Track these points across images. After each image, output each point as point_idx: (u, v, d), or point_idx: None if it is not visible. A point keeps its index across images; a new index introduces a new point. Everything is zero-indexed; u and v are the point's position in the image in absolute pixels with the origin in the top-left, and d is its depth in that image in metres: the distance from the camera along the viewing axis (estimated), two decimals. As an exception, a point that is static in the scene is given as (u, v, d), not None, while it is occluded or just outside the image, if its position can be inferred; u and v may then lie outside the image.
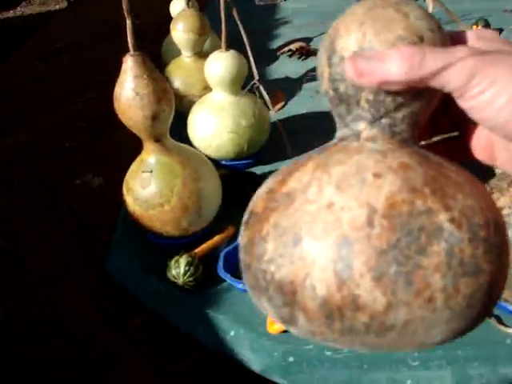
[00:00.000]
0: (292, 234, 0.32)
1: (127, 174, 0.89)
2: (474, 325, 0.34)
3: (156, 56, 1.44)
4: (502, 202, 0.69)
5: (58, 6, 5.03)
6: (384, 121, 0.36)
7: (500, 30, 1.47)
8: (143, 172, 0.85)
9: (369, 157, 0.34)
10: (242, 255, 0.36)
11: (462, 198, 0.32)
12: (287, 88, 1.39)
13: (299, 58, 1.55)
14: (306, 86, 1.39)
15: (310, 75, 1.41)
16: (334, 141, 0.38)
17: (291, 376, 0.77)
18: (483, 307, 0.33)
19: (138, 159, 0.88)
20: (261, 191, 0.37)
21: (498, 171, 0.77)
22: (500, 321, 0.77)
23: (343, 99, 0.37)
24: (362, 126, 0.36)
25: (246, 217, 0.37)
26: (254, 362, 0.79)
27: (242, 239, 0.37)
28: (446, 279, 0.31)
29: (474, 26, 1.45)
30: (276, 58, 1.57)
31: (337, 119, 0.38)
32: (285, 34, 1.72)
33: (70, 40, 4.21)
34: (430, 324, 0.32)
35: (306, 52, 1.56)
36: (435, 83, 0.33)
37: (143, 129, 0.80)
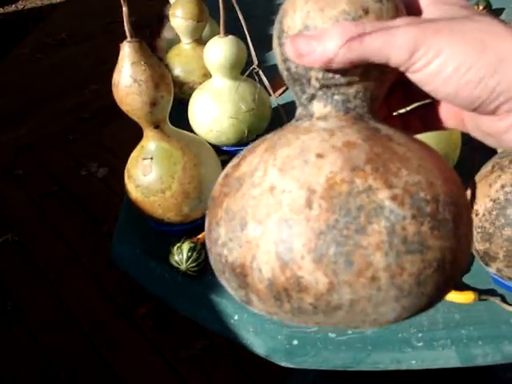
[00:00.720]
0: (239, 218, 0.33)
1: (128, 161, 0.89)
2: (433, 301, 0.34)
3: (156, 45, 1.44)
4: (503, 179, 0.69)
5: (59, -1, 5.02)
6: (336, 97, 0.36)
7: (501, 10, 1.46)
8: (144, 159, 0.85)
9: (315, 137, 0.34)
10: (205, 239, 0.37)
11: (407, 173, 0.32)
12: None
13: (300, 42, 1.54)
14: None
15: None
16: (292, 121, 0.38)
17: (296, 359, 0.77)
18: (437, 284, 0.32)
19: (139, 146, 0.88)
20: (220, 176, 0.38)
21: (499, 150, 0.77)
22: (504, 300, 0.77)
23: (295, 79, 0.37)
24: (315, 104, 0.37)
25: (208, 202, 0.38)
26: (259, 345, 0.79)
27: (205, 224, 0.38)
28: (388, 258, 0.31)
29: (475, 7, 1.44)
30: (276, 43, 1.56)
31: (295, 98, 0.39)
32: (285, 18, 1.71)
33: (73, 31, 4.21)
34: (377, 302, 0.32)
35: (307, 36, 1.55)
36: (378, 59, 0.33)
37: (142, 115, 0.80)
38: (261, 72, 0.93)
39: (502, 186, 0.69)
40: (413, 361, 0.74)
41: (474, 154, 0.81)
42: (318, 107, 0.36)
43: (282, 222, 0.32)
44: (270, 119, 1.11)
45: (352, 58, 0.33)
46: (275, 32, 0.37)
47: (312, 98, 0.37)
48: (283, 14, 0.36)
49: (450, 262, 0.32)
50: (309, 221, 0.31)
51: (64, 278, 2.07)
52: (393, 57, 0.32)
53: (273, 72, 1.37)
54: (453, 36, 0.31)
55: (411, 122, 0.42)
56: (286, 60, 0.37)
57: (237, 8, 0.88)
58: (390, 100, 0.41)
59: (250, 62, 0.99)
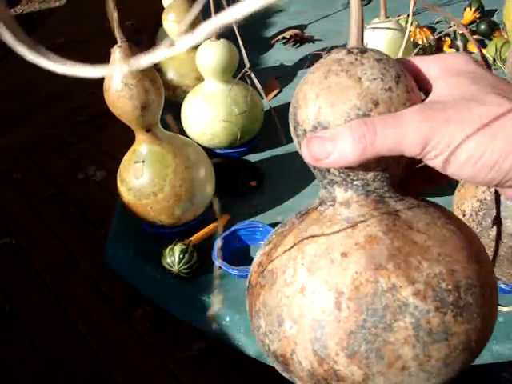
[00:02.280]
0: (276, 314, 0.36)
1: (120, 165, 0.89)
2: (462, 372, 0.35)
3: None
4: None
5: (58, 3, 5.03)
6: (356, 183, 0.37)
7: (494, 11, 1.46)
8: (135, 162, 0.86)
9: (339, 232, 0.36)
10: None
11: (428, 265, 0.34)
12: (282, 75, 1.39)
13: (294, 45, 1.55)
14: (300, 73, 1.39)
15: (305, 62, 1.41)
16: (316, 202, 0.40)
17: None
18: (465, 360, 0.34)
19: (131, 150, 0.88)
20: (255, 260, 0.41)
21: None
22: (493, 299, 0.77)
23: (314, 167, 0.38)
24: (336, 189, 0.38)
25: (248, 285, 0.41)
26: (250, 346, 0.80)
27: (247, 306, 0.41)
28: (415, 349, 0.33)
29: (468, 9, 1.45)
30: (271, 46, 1.57)
31: (318, 179, 0.40)
32: (279, 21, 1.72)
33: (71, 36, 4.21)
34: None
35: (301, 39, 1.56)
36: (392, 154, 0.34)
37: (133, 119, 0.81)
38: (253, 75, 0.93)
39: (488, 187, 0.70)
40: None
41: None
42: (340, 191, 0.38)
43: (315, 323, 0.34)
44: (262, 122, 1.11)
45: (368, 157, 0.34)
46: (291, 121, 0.38)
47: (333, 183, 0.38)
48: (296, 105, 0.37)
49: (476, 340, 0.34)
50: (339, 322, 0.33)
51: (62, 280, 2.08)
52: (406, 151, 0.33)
53: (266, 75, 1.38)
54: (462, 125, 0.32)
55: (430, 173, 0.41)
56: None
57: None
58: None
59: (242, 65, 1.00)
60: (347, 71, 0.35)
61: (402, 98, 0.35)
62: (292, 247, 0.37)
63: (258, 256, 0.41)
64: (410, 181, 0.42)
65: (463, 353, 0.34)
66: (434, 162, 0.33)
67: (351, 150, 0.33)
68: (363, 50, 0.36)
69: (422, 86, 0.37)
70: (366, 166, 0.36)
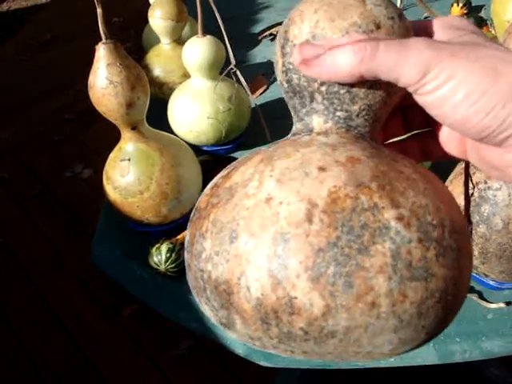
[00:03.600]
0: (229, 230, 0.31)
1: (106, 163, 0.88)
2: (430, 337, 0.32)
3: (141, 45, 1.44)
4: (477, 177, 0.69)
5: (44, 0, 5.00)
6: (339, 114, 0.34)
7: (481, 7, 1.46)
8: (121, 160, 0.85)
9: (316, 150, 0.32)
10: (185, 254, 0.35)
11: (414, 194, 0.30)
12: (269, 72, 1.38)
13: (281, 41, 1.54)
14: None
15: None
16: (288, 136, 0.36)
17: (274, 358, 0.77)
18: (438, 317, 0.31)
19: (116, 148, 0.87)
20: (207, 186, 0.36)
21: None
22: (481, 296, 0.77)
23: (296, 91, 0.35)
24: (315, 119, 0.35)
25: (191, 214, 0.35)
26: (238, 345, 0.79)
27: (186, 238, 0.35)
28: (391, 282, 0.29)
29: (455, 4, 1.45)
30: (258, 43, 1.56)
31: (292, 113, 0.37)
32: (267, 18, 1.71)
33: (57, 33, 4.19)
34: (374, 332, 0.30)
35: (288, 35, 1.55)
36: (388, 77, 0.31)
37: (119, 117, 0.80)
38: (238, 72, 0.92)
39: (477, 184, 0.70)
40: (391, 358, 0.75)
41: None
42: (319, 122, 0.35)
43: (278, 236, 0.29)
44: (249, 119, 1.10)
45: (362, 73, 0.31)
46: (278, 41, 0.36)
47: (313, 112, 0.35)
48: (289, 23, 0.35)
49: (452, 294, 0.31)
50: (308, 236, 0.29)
51: (49, 279, 2.07)
52: (404, 76, 0.31)
53: (253, 72, 1.38)
54: (467, 61, 0.30)
55: (409, 151, 0.40)
56: (287, 71, 0.35)
57: (214, 8, 0.88)
58: (387, 127, 0.40)
59: (229, 61, 0.99)
60: None
61: (404, 31, 0.33)
62: (259, 163, 0.33)
63: (210, 183, 0.36)
64: (406, 152, 0.40)
65: (438, 304, 0.30)
66: (428, 97, 0.31)
67: (348, 59, 0.31)
68: None
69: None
70: (354, 93, 0.33)
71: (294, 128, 0.37)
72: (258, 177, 0.32)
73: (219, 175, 0.36)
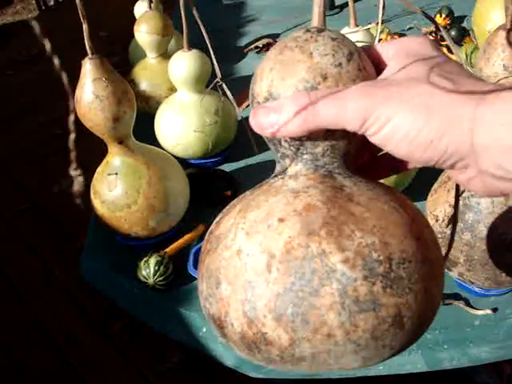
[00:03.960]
0: (215, 277, 0.37)
1: (94, 177, 0.89)
2: (396, 350, 0.36)
3: (128, 60, 1.44)
4: (461, 186, 0.70)
5: (30, 15, 4.99)
6: (306, 157, 0.38)
7: (463, 17, 1.48)
8: (108, 174, 0.85)
9: (281, 199, 0.37)
10: None
11: (361, 235, 0.35)
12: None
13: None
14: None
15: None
16: (271, 176, 0.41)
17: (263, 369, 0.77)
18: (397, 336, 0.35)
19: (104, 162, 0.88)
20: (209, 229, 0.41)
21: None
22: (468, 303, 0.78)
23: (269, 139, 0.40)
24: (287, 162, 0.39)
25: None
26: (227, 357, 0.80)
27: None
28: (341, 317, 0.33)
29: (438, 15, 1.47)
30: (244, 56, 1.57)
31: (273, 154, 0.41)
32: (253, 31, 1.72)
33: (44, 48, 4.19)
34: (336, 355, 0.35)
35: (274, 48, 1.56)
36: (334, 127, 0.34)
37: (105, 131, 0.80)
38: (224, 85, 0.93)
39: (461, 191, 0.70)
40: (380, 366, 0.75)
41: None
42: (291, 165, 0.39)
43: (247, 284, 0.35)
44: (236, 131, 1.11)
45: (309, 128, 0.35)
46: (250, 96, 0.40)
47: (284, 156, 0.39)
48: (254, 80, 0.39)
49: (410, 317, 0.35)
50: (268, 283, 0.34)
51: (38, 294, 2.05)
52: (347, 124, 0.34)
53: (239, 84, 1.38)
54: (401, 102, 0.32)
55: (379, 168, 0.44)
56: None
57: (199, 21, 0.89)
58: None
59: (215, 75, 1.00)
60: (301, 47, 0.37)
61: (353, 74, 0.36)
62: (237, 214, 0.38)
63: (212, 224, 0.42)
64: (372, 168, 0.43)
65: (394, 328, 0.34)
66: (375, 138, 0.34)
67: (293, 121, 0.34)
68: (321, 30, 0.37)
69: (382, 69, 0.38)
70: (313, 139, 0.37)
71: (276, 167, 0.41)
72: (234, 229, 0.37)
73: (215, 220, 0.41)
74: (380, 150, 0.42)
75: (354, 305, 0.33)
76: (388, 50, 0.38)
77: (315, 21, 0.38)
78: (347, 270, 0.33)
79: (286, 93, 0.36)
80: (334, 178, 0.38)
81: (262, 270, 0.34)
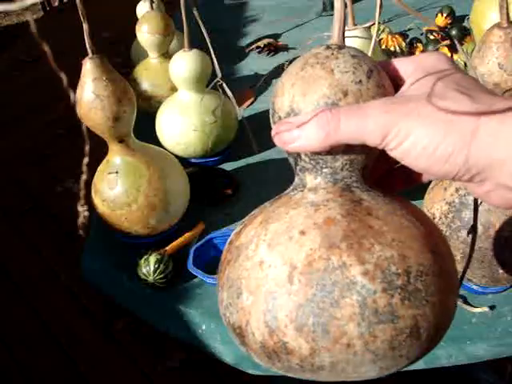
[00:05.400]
0: (236, 286, 0.38)
1: (94, 176, 0.89)
2: (413, 360, 0.37)
3: (130, 60, 1.45)
4: (458, 183, 0.70)
5: (35, 16, 5.00)
6: (325, 170, 0.39)
7: (465, 16, 1.48)
8: (109, 173, 0.86)
9: (301, 212, 0.38)
10: None
11: (380, 248, 0.35)
12: (256, 84, 1.40)
13: (268, 54, 1.56)
14: (274, 81, 1.40)
15: (279, 71, 1.42)
16: (290, 188, 0.42)
17: (263, 366, 0.77)
18: (414, 346, 0.36)
19: (104, 161, 0.88)
20: (229, 239, 0.43)
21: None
22: (465, 300, 0.78)
23: (289, 153, 0.41)
24: (307, 176, 0.40)
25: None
26: (227, 354, 0.80)
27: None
28: (361, 327, 0.34)
29: (439, 15, 1.47)
30: (245, 56, 1.58)
31: (292, 167, 0.42)
32: (254, 31, 1.73)
33: (49, 48, 4.19)
34: (355, 365, 0.36)
35: (275, 48, 1.57)
36: (355, 142, 0.36)
37: (106, 130, 0.81)
38: (224, 84, 0.94)
39: (457, 190, 0.71)
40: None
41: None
42: (310, 179, 0.40)
43: (268, 294, 0.36)
44: (236, 131, 1.12)
45: (330, 144, 0.36)
46: (270, 110, 0.41)
47: (304, 169, 0.40)
48: (275, 94, 0.40)
49: (426, 328, 0.35)
50: (290, 294, 0.35)
51: (41, 293, 2.06)
52: (368, 139, 0.35)
53: (240, 84, 1.39)
54: (420, 118, 0.34)
55: (394, 181, 0.45)
56: None
57: (200, 21, 0.89)
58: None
59: (216, 74, 1.00)
60: (322, 63, 0.38)
61: (372, 91, 0.37)
62: (258, 226, 0.39)
63: (231, 235, 0.43)
64: (388, 180, 0.44)
65: (411, 338, 0.35)
66: (394, 152, 0.35)
67: (315, 136, 0.36)
68: (341, 47, 0.39)
69: (399, 85, 0.39)
70: (333, 154, 0.38)
71: (295, 180, 0.42)
72: (256, 240, 0.38)
73: (235, 231, 0.43)
74: (396, 162, 0.43)
75: (373, 316, 0.34)
76: (406, 66, 0.39)
77: (335, 37, 0.39)
78: (367, 282, 0.34)
79: (307, 108, 0.37)
80: (353, 191, 0.39)
81: (283, 282, 0.35)
